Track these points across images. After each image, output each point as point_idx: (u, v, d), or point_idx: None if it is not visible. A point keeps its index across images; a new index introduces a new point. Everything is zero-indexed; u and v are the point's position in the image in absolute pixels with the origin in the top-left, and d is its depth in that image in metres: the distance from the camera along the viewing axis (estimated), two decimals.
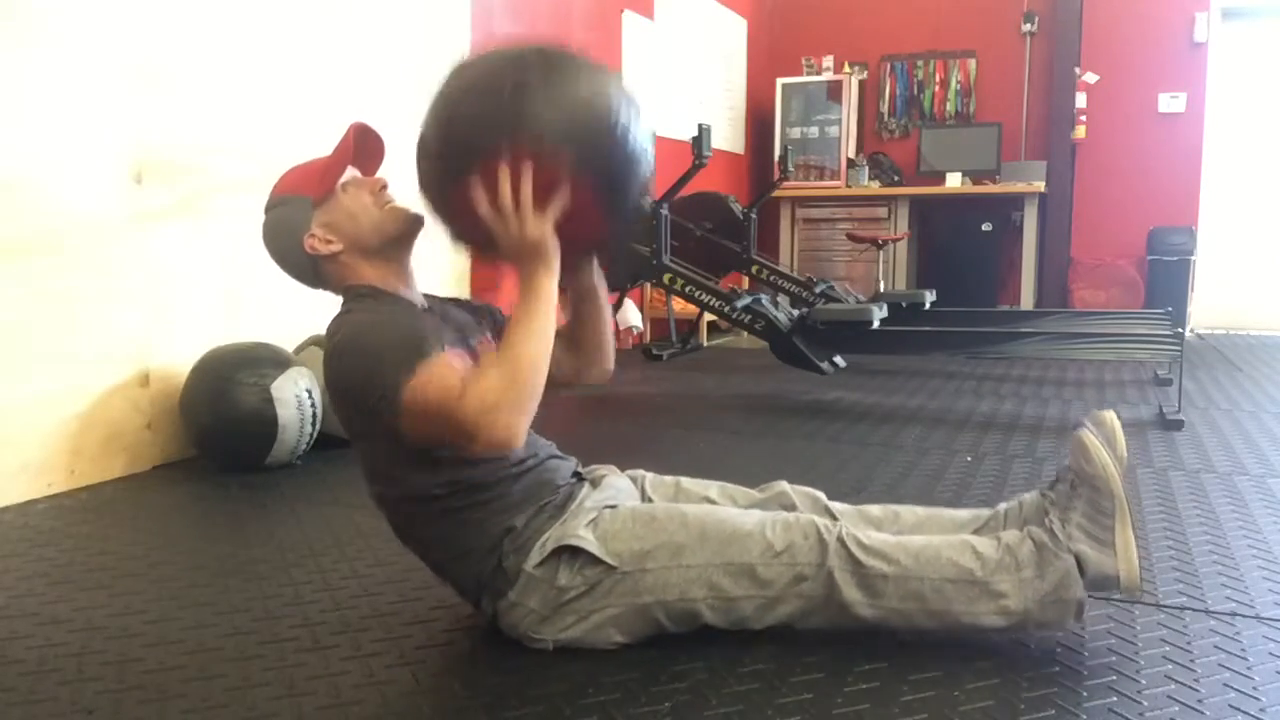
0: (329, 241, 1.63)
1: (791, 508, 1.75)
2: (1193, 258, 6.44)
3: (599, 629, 1.56)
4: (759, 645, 1.60)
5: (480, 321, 1.76)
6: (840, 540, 1.55)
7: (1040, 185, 6.56)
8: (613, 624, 1.56)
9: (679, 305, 5.35)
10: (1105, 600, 1.81)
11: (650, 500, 1.78)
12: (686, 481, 1.83)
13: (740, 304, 3.98)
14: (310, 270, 1.67)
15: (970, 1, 7.08)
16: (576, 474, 1.75)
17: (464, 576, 1.63)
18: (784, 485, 1.81)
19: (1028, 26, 6.93)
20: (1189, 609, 1.79)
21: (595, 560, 1.55)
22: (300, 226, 1.63)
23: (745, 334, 4.21)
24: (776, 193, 6.18)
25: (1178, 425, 3.41)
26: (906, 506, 1.81)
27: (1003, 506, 1.75)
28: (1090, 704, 1.43)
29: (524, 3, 4.75)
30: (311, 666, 1.56)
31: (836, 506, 1.78)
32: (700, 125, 4.13)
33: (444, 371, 1.47)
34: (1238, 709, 1.42)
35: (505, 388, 1.43)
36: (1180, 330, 3.71)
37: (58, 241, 2.61)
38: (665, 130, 5.99)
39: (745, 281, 5.78)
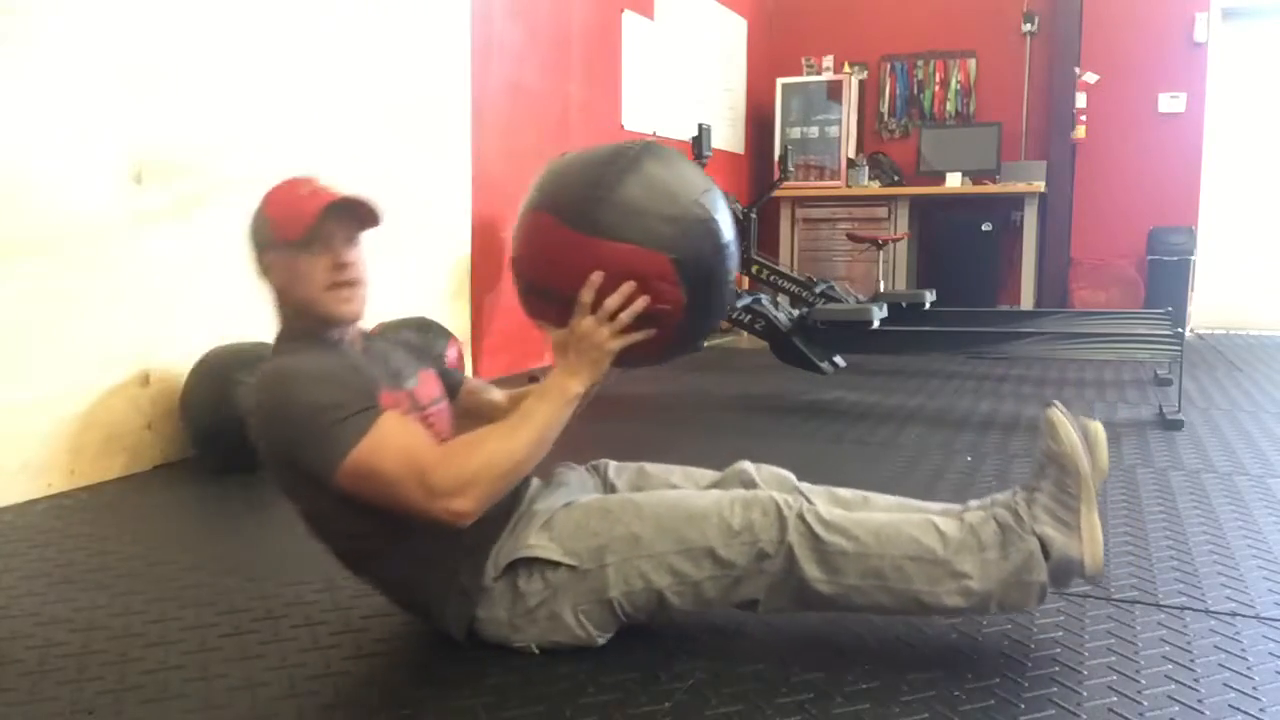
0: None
1: (751, 485, 1.72)
2: (1193, 258, 6.44)
3: (571, 628, 1.54)
4: (759, 645, 1.60)
5: (419, 360, 1.72)
6: (800, 516, 1.52)
7: (1040, 185, 6.56)
8: (582, 622, 1.54)
9: None
10: (1106, 600, 1.81)
11: (614, 487, 1.76)
12: (650, 467, 1.81)
13: (740, 304, 3.98)
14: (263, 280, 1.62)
15: (970, 1, 7.08)
16: None
17: (423, 604, 1.60)
18: (746, 464, 1.78)
19: (1028, 26, 6.93)
20: (1189, 609, 1.79)
21: (554, 563, 1.53)
22: (265, 246, 1.58)
23: (745, 334, 4.21)
24: (776, 193, 6.17)
25: (1178, 425, 3.41)
26: (880, 495, 1.76)
27: (974, 504, 1.69)
28: (1090, 704, 1.43)
29: (524, 3, 4.74)
30: (311, 666, 1.56)
31: (806, 487, 1.75)
32: (700, 125, 4.14)
33: (399, 435, 1.44)
34: (1238, 709, 1.42)
35: (493, 477, 1.43)
36: (1180, 330, 3.71)
37: (57, 241, 2.62)
38: (665, 130, 5.99)
39: (745, 281, 5.77)
